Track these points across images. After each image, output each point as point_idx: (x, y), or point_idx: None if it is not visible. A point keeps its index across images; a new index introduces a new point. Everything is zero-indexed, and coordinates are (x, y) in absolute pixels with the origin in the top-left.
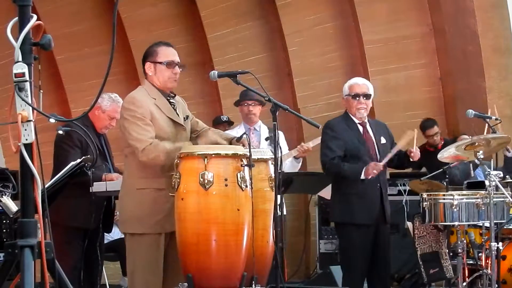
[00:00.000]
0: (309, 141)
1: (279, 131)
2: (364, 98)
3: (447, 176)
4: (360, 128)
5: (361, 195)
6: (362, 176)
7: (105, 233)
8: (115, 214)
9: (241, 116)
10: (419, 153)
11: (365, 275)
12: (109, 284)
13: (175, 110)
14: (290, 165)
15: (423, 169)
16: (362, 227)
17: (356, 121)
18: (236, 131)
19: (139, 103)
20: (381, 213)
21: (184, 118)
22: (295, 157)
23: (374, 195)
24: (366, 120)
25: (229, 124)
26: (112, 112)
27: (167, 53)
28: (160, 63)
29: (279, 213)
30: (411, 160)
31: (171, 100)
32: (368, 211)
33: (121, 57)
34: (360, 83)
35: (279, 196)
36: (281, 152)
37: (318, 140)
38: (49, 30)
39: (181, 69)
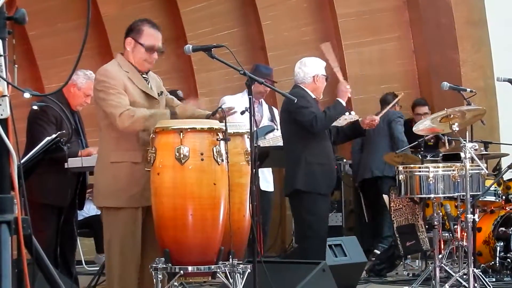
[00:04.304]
0: None
1: (274, 109)
2: None
3: (422, 149)
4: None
5: (324, 165)
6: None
7: (80, 210)
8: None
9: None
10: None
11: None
12: (84, 260)
13: (149, 84)
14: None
15: None
16: (325, 196)
17: (313, 97)
18: (241, 97)
19: (111, 75)
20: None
21: (158, 93)
22: None
23: (333, 165)
24: None
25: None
26: (87, 89)
27: (151, 36)
28: (141, 44)
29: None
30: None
31: (143, 75)
32: (329, 180)
33: (94, 32)
34: None
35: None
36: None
37: None
38: (21, 6)
39: (159, 54)
